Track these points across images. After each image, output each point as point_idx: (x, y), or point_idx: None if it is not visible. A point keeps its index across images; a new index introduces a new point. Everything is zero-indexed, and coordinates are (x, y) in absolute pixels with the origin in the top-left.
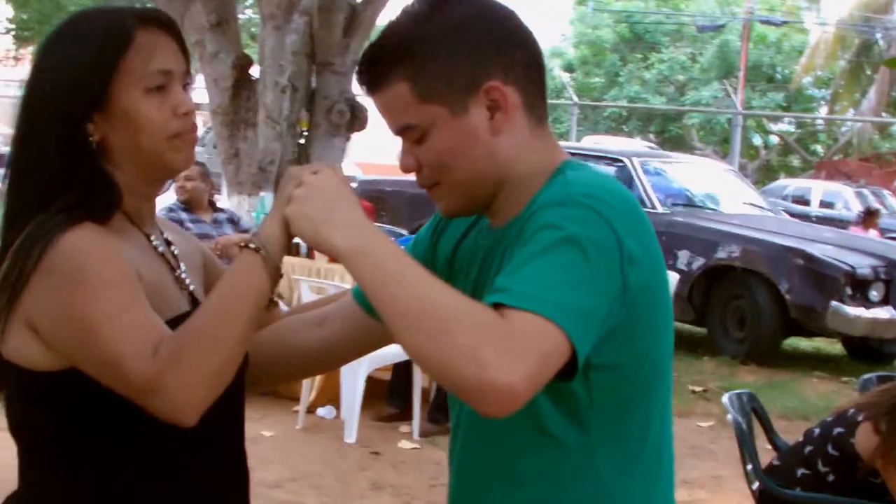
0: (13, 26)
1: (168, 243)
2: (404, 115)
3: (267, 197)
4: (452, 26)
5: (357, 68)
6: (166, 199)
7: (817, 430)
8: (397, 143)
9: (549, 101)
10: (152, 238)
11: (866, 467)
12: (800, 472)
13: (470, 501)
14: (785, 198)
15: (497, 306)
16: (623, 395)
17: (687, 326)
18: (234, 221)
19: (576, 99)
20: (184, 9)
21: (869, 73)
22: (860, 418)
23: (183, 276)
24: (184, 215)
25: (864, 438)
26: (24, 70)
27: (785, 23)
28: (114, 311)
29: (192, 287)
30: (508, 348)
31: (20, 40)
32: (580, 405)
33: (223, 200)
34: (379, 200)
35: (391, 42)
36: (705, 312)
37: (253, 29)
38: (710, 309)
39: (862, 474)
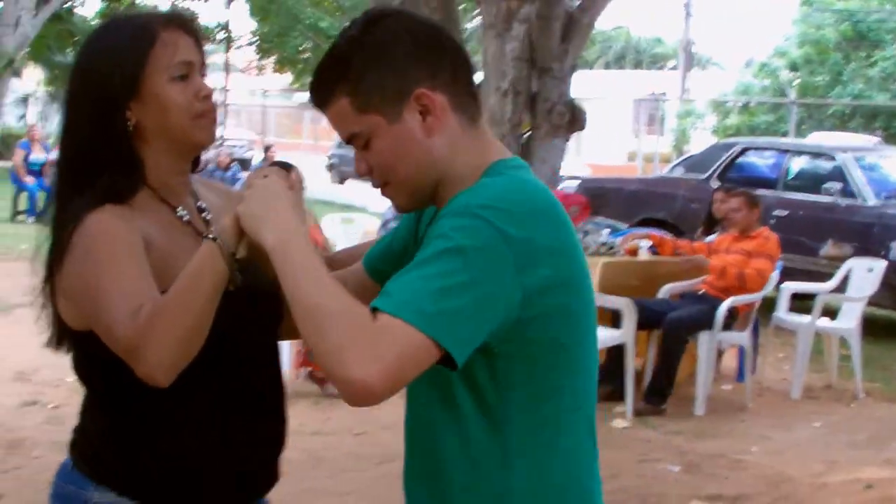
0: (256, 38)
1: (200, 210)
2: (348, 126)
3: None
4: (381, 43)
5: (309, 87)
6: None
7: None
8: (623, 145)
9: (772, 100)
10: (178, 210)
11: None
12: None
13: (408, 472)
14: None
15: (375, 309)
16: (532, 380)
17: None
18: None
19: (793, 97)
20: None
21: None
22: None
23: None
24: None
25: None
26: (266, 80)
27: None
28: (111, 283)
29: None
30: (369, 350)
31: (262, 51)
32: (488, 389)
33: None
34: (600, 197)
35: (330, 63)
36: None
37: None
38: None
39: None
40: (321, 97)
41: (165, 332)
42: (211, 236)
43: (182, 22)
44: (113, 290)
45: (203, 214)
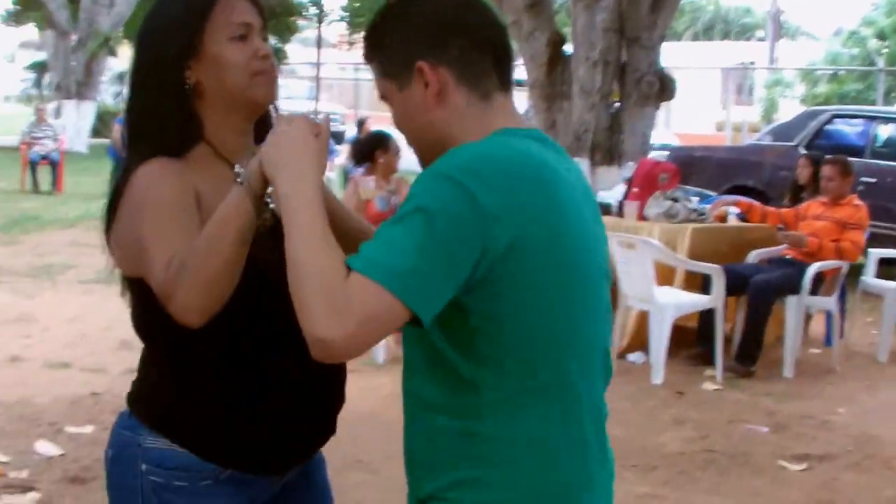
0: (346, 13)
1: None
2: (378, 87)
3: (582, 163)
4: (404, 14)
5: None
6: None
7: None
8: (712, 115)
9: (860, 68)
10: (236, 167)
11: None
12: None
13: (406, 430)
14: None
15: (349, 268)
16: (505, 340)
17: None
18: None
19: (881, 65)
20: None
21: None
22: None
23: (266, 199)
24: None
25: None
26: (357, 54)
27: None
28: (153, 232)
29: (272, 206)
30: (335, 307)
31: (353, 26)
32: (467, 345)
33: None
34: (689, 165)
35: (369, 29)
36: None
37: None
38: None
39: None
40: (365, 59)
41: (194, 274)
42: (238, 180)
43: None
44: (154, 239)
45: None
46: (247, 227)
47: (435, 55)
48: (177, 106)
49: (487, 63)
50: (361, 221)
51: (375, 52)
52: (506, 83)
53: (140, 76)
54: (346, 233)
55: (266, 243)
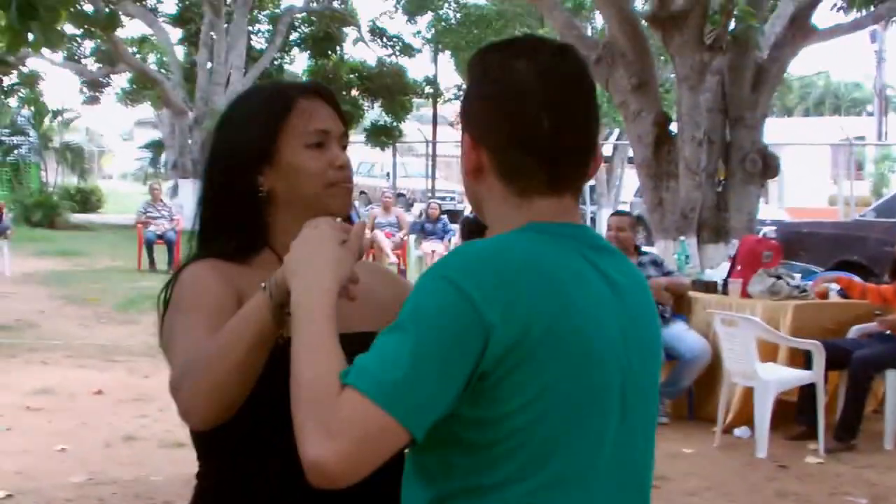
0: (462, 91)
1: None
2: None
3: (687, 241)
4: (482, 75)
5: None
6: None
7: None
8: (823, 189)
9: None
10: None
11: None
12: None
13: None
14: None
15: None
16: (500, 448)
17: None
18: (657, 263)
19: None
20: (608, 73)
21: None
22: None
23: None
24: None
25: None
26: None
27: None
28: (181, 331)
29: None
30: (326, 425)
31: None
32: (458, 453)
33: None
34: (797, 241)
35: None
36: None
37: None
38: None
39: None
40: None
41: (200, 377)
42: (263, 285)
43: (320, 90)
44: (179, 338)
45: None
46: (262, 335)
47: (479, 134)
48: (246, 213)
49: (531, 164)
50: None
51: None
52: (558, 184)
53: (212, 179)
54: None
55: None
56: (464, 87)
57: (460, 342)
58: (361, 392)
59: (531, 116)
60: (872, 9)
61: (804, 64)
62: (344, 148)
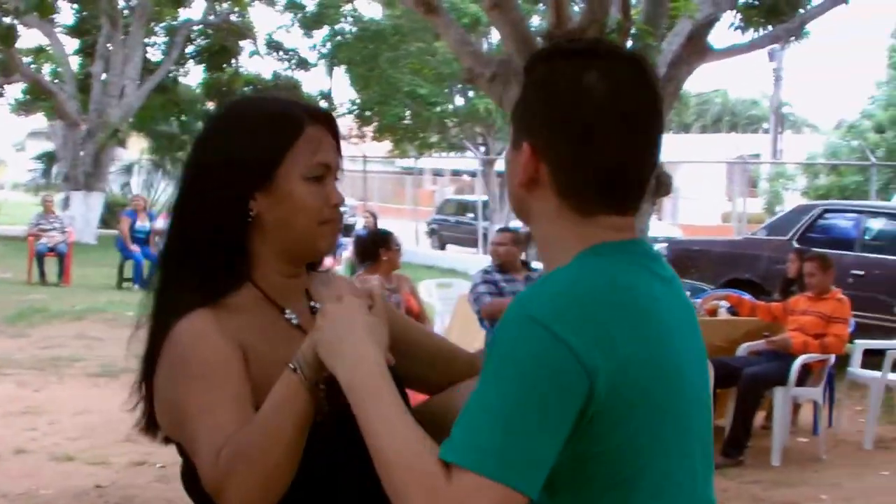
0: (356, 106)
1: (314, 311)
2: None
3: None
4: (545, 82)
5: None
6: (482, 262)
7: None
8: (719, 206)
9: (853, 162)
10: (286, 312)
11: None
12: None
13: None
14: None
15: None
16: (593, 486)
17: None
18: None
19: (874, 159)
20: (503, 91)
21: None
22: None
23: (322, 385)
24: (497, 276)
25: None
26: (366, 147)
27: None
28: (199, 412)
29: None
30: None
31: (362, 120)
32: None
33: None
34: (688, 258)
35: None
36: None
37: None
38: None
39: None
40: None
41: (248, 473)
42: (292, 366)
43: (328, 120)
44: (201, 420)
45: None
46: (304, 417)
47: (541, 147)
48: (230, 237)
49: (598, 184)
50: (443, 340)
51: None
52: (624, 204)
53: (196, 191)
54: (433, 355)
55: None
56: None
57: (562, 391)
58: (469, 468)
59: (602, 136)
60: (770, 28)
61: (702, 81)
62: (336, 181)
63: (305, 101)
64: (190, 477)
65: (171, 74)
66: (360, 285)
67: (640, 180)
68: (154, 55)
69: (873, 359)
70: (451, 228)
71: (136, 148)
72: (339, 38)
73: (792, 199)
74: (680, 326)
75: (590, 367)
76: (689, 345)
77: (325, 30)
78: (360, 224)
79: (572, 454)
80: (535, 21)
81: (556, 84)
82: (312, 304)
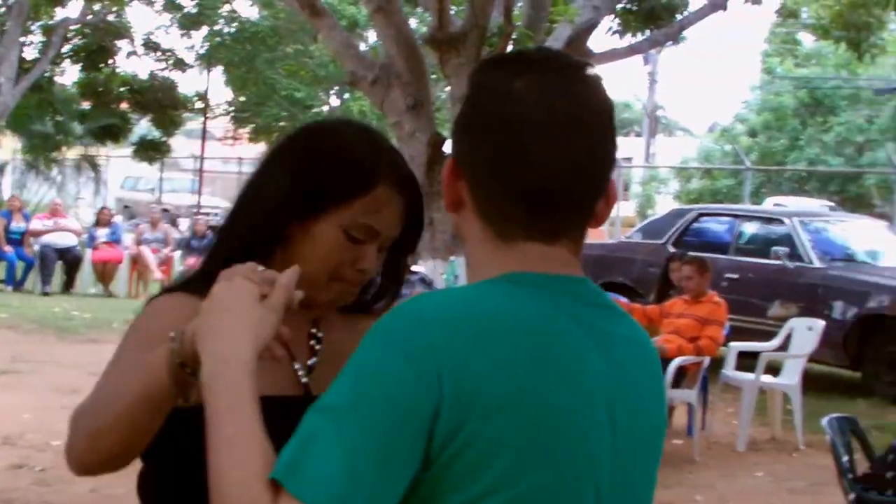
0: (231, 108)
1: (311, 337)
2: None
3: (457, 261)
4: (472, 100)
5: None
6: None
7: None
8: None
9: (727, 166)
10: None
11: None
12: (888, 475)
13: None
14: None
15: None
16: None
17: (843, 371)
18: (426, 282)
19: (748, 164)
20: (384, 94)
21: None
22: None
23: (297, 368)
24: None
25: None
26: (242, 149)
27: None
28: (110, 366)
29: (304, 380)
30: None
31: (238, 121)
32: None
33: (420, 264)
34: None
35: None
36: (859, 357)
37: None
38: (863, 354)
39: None
40: None
41: (80, 426)
42: (172, 334)
43: (406, 182)
44: (105, 372)
45: (312, 343)
46: (150, 392)
47: (460, 160)
48: (257, 246)
49: (515, 204)
50: None
51: None
52: (547, 230)
53: (246, 203)
54: None
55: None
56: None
57: (408, 419)
58: (295, 496)
59: (519, 149)
60: (648, 33)
61: None
62: (381, 249)
63: (389, 147)
64: (142, 479)
65: (46, 74)
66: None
67: (570, 203)
68: (30, 54)
69: (747, 361)
70: None
71: (9, 148)
72: (217, 38)
73: (664, 203)
74: (592, 378)
75: (437, 395)
76: (608, 401)
77: (204, 30)
78: None
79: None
80: (415, 25)
81: (479, 95)
82: (315, 330)
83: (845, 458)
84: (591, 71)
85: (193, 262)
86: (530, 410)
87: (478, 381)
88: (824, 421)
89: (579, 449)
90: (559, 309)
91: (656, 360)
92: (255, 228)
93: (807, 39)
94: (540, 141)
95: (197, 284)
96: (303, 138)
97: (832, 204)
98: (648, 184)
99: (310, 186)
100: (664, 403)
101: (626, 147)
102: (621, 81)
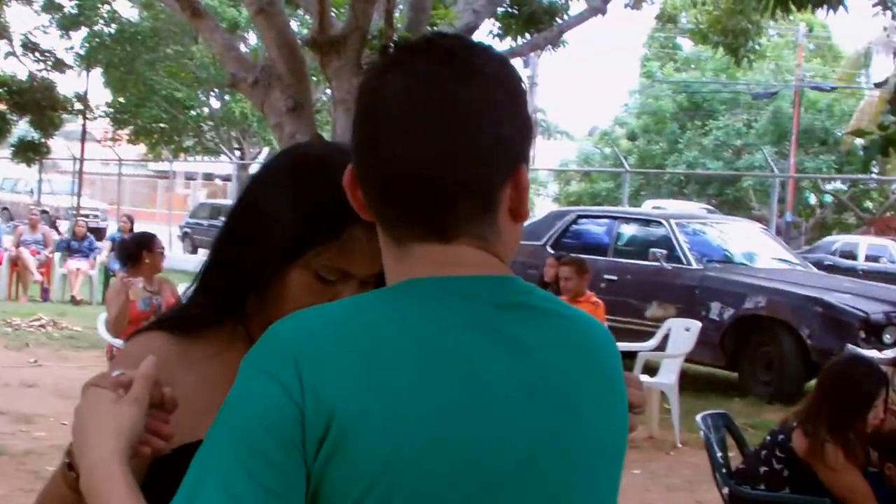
0: (111, 110)
1: None
2: None
3: None
4: (360, 97)
5: None
6: None
7: (768, 438)
8: None
9: (606, 170)
10: None
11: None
12: (762, 469)
13: None
14: (833, 253)
15: None
16: None
17: (720, 371)
18: None
19: (627, 167)
20: (265, 95)
21: None
22: (795, 424)
23: None
24: None
25: (798, 441)
26: (122, 150)
27: (834, 88)
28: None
29: None
30: None
31: (117, 122)
32: None
33: None
34: None
35: None
36: (736, 357)
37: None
38: (740, 354)
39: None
40: None
41: None
42: (65, 459)
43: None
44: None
45: None
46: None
47: (357, 170)
48: (233, 288)
49: (386, 208)
50: None
51: None
52: (437, 227)
53: (230, 238)
54: None
55: None
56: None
57: (272, 433)
58: None
59: (375, 144)
60: (528, 37)
61: None
62: (366, 283)
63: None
64: None
65: None
66: (125, 285)
67: (444, 196)
68: None
69: (625, 362)
70: (204, 232)
71: None
72: (97, 39)
73: (543, 206)
74: (498, 388)
75: (301, 411)
76: (525, 410)
77: (84, 31)
78: (112, 228)
79: None
80: (296, 27)
81: (358, 93)
82: None
83: (719, 454)
84: (477, 57)
85: (73, 263)
86: (399, 419)
87: (336, 390)
88: (698, 418)
89: (475, 446)
90: (453, 313)
91: (602, 356)
92: (243, 274)
93: (686, 44)
94: (393, 135)
95: (179, 322)
96: (290, 179)
97: (710, 207)
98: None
99: (285, 232)
100: (616, 403)
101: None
102: None
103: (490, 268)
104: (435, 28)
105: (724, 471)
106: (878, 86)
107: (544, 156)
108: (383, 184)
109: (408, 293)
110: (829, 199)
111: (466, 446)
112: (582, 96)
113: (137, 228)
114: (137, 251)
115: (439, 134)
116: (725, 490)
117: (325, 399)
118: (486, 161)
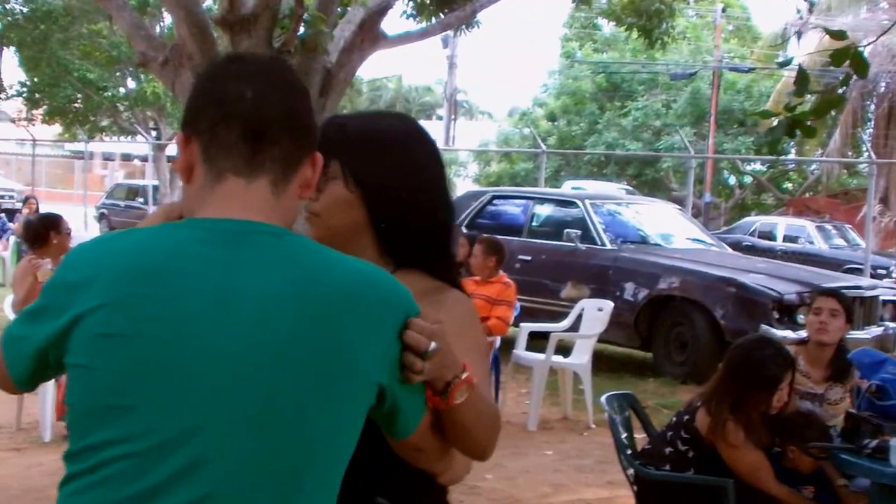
0: (25, 88)
1: None
2: None
3: None
4: (194, 84)
5: None
6: None
7: (674, 419)
8: None
9: (524, 150)
10: None
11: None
12: (667, 450)
13: None
14: (752, 233)
15: None
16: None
17: (635, 351)
18: None
19: (544, 147)
20: (175, 76)
21: (833, 114)
22: (699, 404)
23: None
24: None
25: (701, 420)
26: (36, 131)
27: (752, 69)
28: None
29: None
30: None
31: (31, 102)
32: None
33: None
34: None
35: None
36: (650, 338)
37: None
38: (654, 335)
39: (712, 450)
40: None
41: None
42: None
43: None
44: None
45: None
46: None
47: (192, 126)
48: None
49: (233, 137)
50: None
51: None
52: (255, 166)
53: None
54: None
55: None
56: (27, 81)
57: (47, 306)
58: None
59: (236, 92)
60: (441, 16)
61: (377, 67)
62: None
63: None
64: None
65: None
66: (33, 266)
67: (270, 132)
68: None
69: (539, 342)
70: (120, 213)
71: None
72: (9, 18)
73: (464, 186)
74: (208, 309)
75: (65, 297)
76: (236, 318)
77: None
78: (26, 212)
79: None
80: (206, 6)
81: (200, 76)
82: None
83: (624, 435)
84: (286, 70)
85: None
86: (110, 323)
87: (77, 286)
88: (603, 399)
89: (196, 367)
90: (188, 240)
91: (313, 291)
92: None
93: (606, 25)
94: (208, 85)
95: None
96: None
97: (629, 188)
98: (448, 167)
99: None
100: (325, 337)
101: (431, 131)
102: (423, 65)
103: (257, 214)
104: (347, 7)
105: (628, 452)
106: (780, 66)
107: (464, 136)
108: (223, 118)
109: (182, 228)
110: (748, 180)
111: (155, 304)
112: (503, 76)
113: (54, 210)
114: (45, 232)
115: (229, 92)
116: (630, 471)
117: (71, 291)
118: (272, 128)
